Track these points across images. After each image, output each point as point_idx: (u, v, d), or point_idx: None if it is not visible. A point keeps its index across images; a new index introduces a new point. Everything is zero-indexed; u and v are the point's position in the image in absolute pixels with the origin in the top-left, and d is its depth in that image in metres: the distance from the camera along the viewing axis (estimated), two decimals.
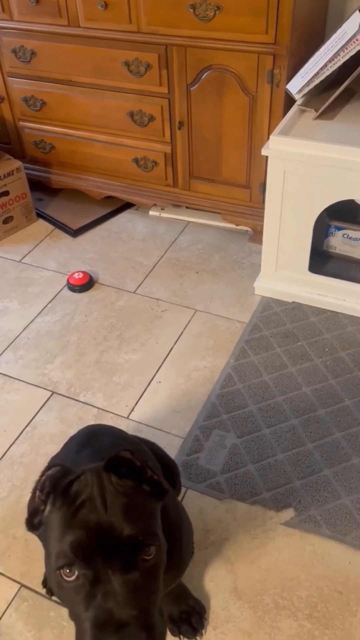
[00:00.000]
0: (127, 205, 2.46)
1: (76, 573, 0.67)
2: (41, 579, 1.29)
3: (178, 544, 0.97)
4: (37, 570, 1.31)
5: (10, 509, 1.44)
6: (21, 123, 2.32)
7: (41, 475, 0.74)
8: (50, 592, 1.26)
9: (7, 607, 1.25)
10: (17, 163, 2.25)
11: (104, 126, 2.16)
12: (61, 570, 0.68)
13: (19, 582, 1.29)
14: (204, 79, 1.88)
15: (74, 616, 0.69)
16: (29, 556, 1.34)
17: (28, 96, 2.21)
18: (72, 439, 1.17)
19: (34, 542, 1.35)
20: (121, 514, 0.69)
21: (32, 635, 1.21)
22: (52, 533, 0.71)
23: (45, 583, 1.27)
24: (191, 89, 1.92)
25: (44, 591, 1.27)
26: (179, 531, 0.99)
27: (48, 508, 0.73)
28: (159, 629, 0.68)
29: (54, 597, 1.26)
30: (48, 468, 0.75)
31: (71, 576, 0.67)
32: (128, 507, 0.70)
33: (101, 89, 2.06)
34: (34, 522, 0.75)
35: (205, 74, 1.86)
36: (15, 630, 1.22)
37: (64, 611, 1.24)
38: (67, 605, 0.70)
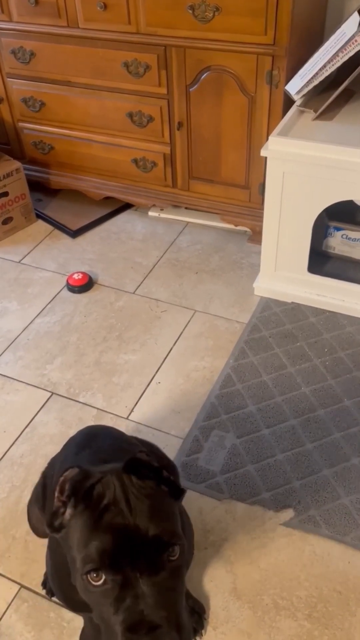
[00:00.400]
0: (126, 206, 2.47)
1: (103, 577, 0.67)
2: (41, 579, 1.29)
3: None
4: (36, 571, 1.31)
5: (10, 509, 1.44)
6: (20, 124, 2.32)
7: (60, 477, 0.75)
8: (50, 593, 1.26)
9: (7, 608, 1.26)
10: (17, 164, 2.26)
11: (103, 127, 2.16)
12: (88, 575, 0.68)
13: (18, 583, 1.30)
14: (203, 80, 1.88)
15: (101, 619, 0.69)
16: (29, 557, 1.34)
17: (27, 97, 2.22)
18: (71, 440, 1.17)
19: (34, 543, 1.35)
20: (146, 515, 0.70)
21: (32, 636, 1.21)
22: (76, 537, 0.71)
23: (45, 584, 1.27)
24: (190, 89, 1.92)
25: (43, 592, 1.27)
26: (182, 526, 1.00)
27: (69, 511, 0.73)
28: (187, 628, 0.69)
29: (53, 598, 1.26)
30: (64, 471, 0.75)
31: (98, 580, 0.68)
32: (152, 508, 0.71)
33: (100, 89, 2.06)
34: (54, 524, 0.75)
35: (205, 74, 1.87)
36: (15, 631, 1.22)
37: (64, 612, 1.24)
38: (94, 608, 0.70)
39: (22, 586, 1.29)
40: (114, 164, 2.25)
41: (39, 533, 1.25)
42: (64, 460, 1.09)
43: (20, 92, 2.22)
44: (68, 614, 1.24)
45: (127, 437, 1.18)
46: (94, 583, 0.68)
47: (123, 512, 0.70)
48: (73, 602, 0.93)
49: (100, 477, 0.74)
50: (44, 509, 1.16)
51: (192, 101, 1.94)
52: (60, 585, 0.96)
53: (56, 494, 0.75)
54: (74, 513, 0.72)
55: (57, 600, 1.25)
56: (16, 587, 1.29)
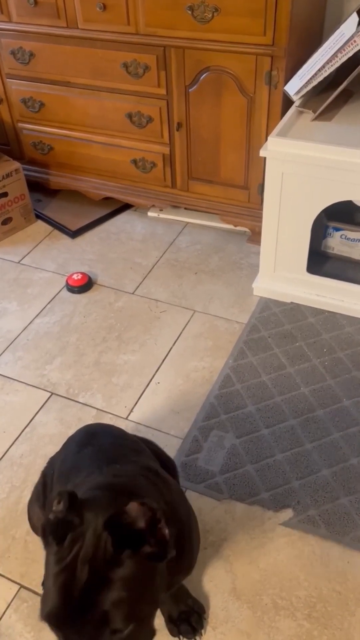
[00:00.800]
0: (125, 207, 2.47)
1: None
2: (41, 580, 1.29)
3: (188, 532, 0.99)
4: (36, 571, 1.31)
5: (9, 509, 1.44)
6: (20, 124, 2.33)
7: (57, 489, 0.74)
8: None
9: (6, 608, 1.26)
10: (16, 164, 2.26)
11: (102, 127, 2.16)
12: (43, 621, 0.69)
13: (18, 583, 1.30)
14: (202, 81, 1.88)
15: None
16: (29, 557, 1.34)
17: (27, 97, 2.22)
18: (70, 438, 1.17)
19: (34, 543, 1.35)
20: (101, 593, 0.67)
21: (31, 636, 1.21)
22: (46, 568, 0.72)
23: (44, 584, 1.27)
24: (189, 90, 1.92)
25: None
26: (189, 520, 1.01)
27: (49, 540, 0.72)
28: None
29: None
30: (59, 490, 0.74)
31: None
32: (111, 587, 0.67)
33: (99, 90, 2.06)
34: (46, 539, 0.74)
35: (204, 75, 1.87)
36: (15, 631, 1.22)
37: None
38: None
39: (22, 586, 1.29)
40: (114, 165, 2.25)
41: (39, 532, 1.25)
42: (65, 460, 1.10)
43: (19, 93, 2.22)
44: None
45: (127, 434, 1.19)
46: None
47: (78, 579, 0.67)
48: None
49: (78, 526, 0.71)
50: (44, 507, 1.17)
51: (191, 102, 1.95)
52: None
53: (54, 502, 0.74)
54: (48, 548, 0.72)
55: None
56: (16, 587, 1.29)
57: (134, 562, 0.68)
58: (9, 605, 1.26)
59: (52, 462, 1.20)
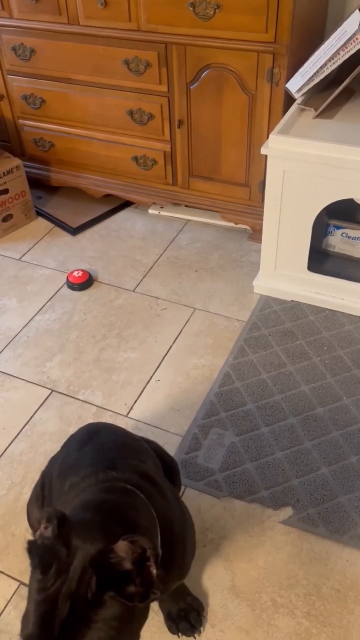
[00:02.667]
0: (126, 204, 2.46)
1: None
2: None
3: (182, 543, 0.98)
4: None
5: (9, 507, 1.44)
6: (21, 121, 2.32)
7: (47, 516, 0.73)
8: None
9: (6, 605, 1.26)
10: (17, 161, 2.25)
11: (103, 124, 2.16)
12: None
13: (18, 580, 1.30)
14: (204, 78, 1.88)
15: None
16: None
17: (27, 94, 2.21)
18: (71, 437, 1.17)
19: None
20: (81, 631, 0.66)
21: None
22: (30, 589, 0.71)
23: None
24: (191, 87, 1.92)
25: None
26: (184, 533, 1.00)
27: (31, 562, 0.71)
28: None
29: None
30: (52, 509, 0.73)
31: None
32: (91, 627, 0.67)
33: (100, 87, 2.06)
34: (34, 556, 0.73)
35: (205, 72, 1.86)
36: (15, 628, 1.22)
37: None
38: None
39: (21, 583, 1.29)
40: (114, 162, 2.25)
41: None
42: (66, 457, 1.10)
43: (20, 89, 2.22)
44: None
45: (129, 433, 1.19)
46: None
47: (60, 616, 0.66)
48: None
49: (64, 555, 0.69)
50: (43, 507, 1.17)
51: (193, 99, 1.94)
52: None
53: (42, 526, 0.73)
54: (31, 571, 0.71)
55: None
56: (15, 584, 1.29)
57: (116, 602, 0.68)
58: (8, 602, 1.26)
59: (52, 462, 1.20)
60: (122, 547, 0.69)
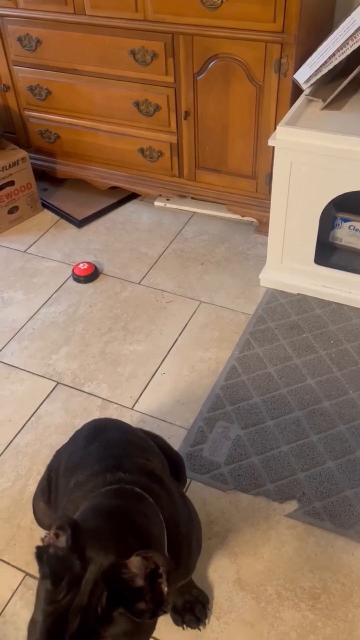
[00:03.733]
0: (132, 196, 2.45)
1: None
2: None
3: (187, 544, 0.98)
4: None
5: (15, 498, 1.44)
6: (26, 112, 2.31)
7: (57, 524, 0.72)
8: None
9: (12, 595, 1.27)
10: (23, 153, 2.24)
11: (109, 116, 2.14)
12: None
13: (23, 571, 1.30)
14: (211, 68, 1.86)
15: None
16: (34, 545, 1.34)
17: (33, 85, 2.20)
18: (78, 433, 1.17)
19: (39, 532, 1.35)
20: None
21: None
22: (37, 597, 0.70)
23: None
24: (197, 78, 1.90)
25: None
26: (190, 533, 1.00)
27: (41, 567, 0.70)
28: None
29: None
30: (65, 516, 0.72)
31: None
32: None
33: (106, 78, 2.04)
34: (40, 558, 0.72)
35: (212, 63, 1.84)
36: (20, 618, 1.23)
37: None
38: None
39: (27, 574, 1.30)
40: (120, 154, 2.24)
41: (44, 525, 1.25)
42: (72, 454, 1.09)
43: (26, 80, 2.21)
44: None
45: (135, 430, 1.18)
46: None
47: (68, 630, 0.66)
48: None
49: (78, 568, 0.69)
50: (49, 502, 1.17)
51: (199, 90, 1.92)
52: None
53: (52, 532, 0.72)
54: (40, 579, 0.70)
55: None
56: (21, 575, 1.30)
57: (125, 618, 0.67)
58: (14, 592, 1.27)
59: (58, 455, 1.20)
60: (135, 563, 0.68)
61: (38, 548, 0.71)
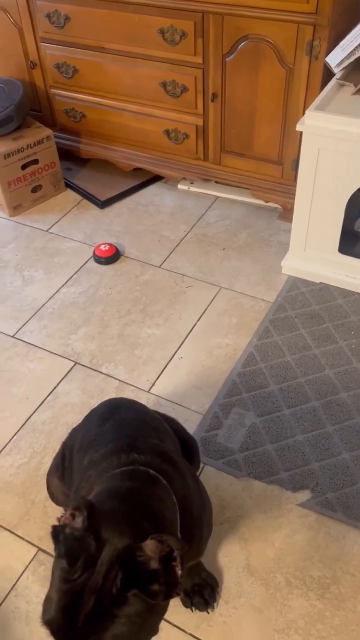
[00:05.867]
0: (155, 178, 2.43)
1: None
2: None
3: (199, 526, 0.98)
4: None
5: (30, 474, 1.46)
6: (52, 90, 2.30)
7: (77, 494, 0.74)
8: None
9: (24, 570, 1.29)
10: (48, 131, 2.24)
11: (135, 96, 2.12)
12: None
13: (36, 546, 1.33)
14: (240, 50, 1.82)
15: None
16: (47, 521, 1.37)
17: (60, 63, 2.18)
18: (93, 411, 1.17)
19: (52, 508, 1.37)
20: (103, 625, 0.67)
21: None
22: (53, 576, 0.71)
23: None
24: (226, 59, 1.86)
25: None
26: (201, 515, 1.00)
27: (57, 547, 0.71)
28: None
29: None
30: (81, 498, 0.73)
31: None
32: (114, 622, 0.67)
33: (134, 57, 2.02)
34: (57, 538, 0.73)
35: (242, 44, 1.81)
36: (32, 592, 1.25)
37: None
38: None
39: (39, 549, 1.32)
40: (145, 135, 2.22)
41: (57, 501, 1.27)
42: (87, 432, 1.10)
43: (53, 58, 2.19)
44: None
45: (149, 411, 1.19)
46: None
47: (85, 608, 0.67)
48: None
49: (93, 549, 0.70)
50: (63, 478, 1.18)
51: (228, 71, 1.89)
52: None
53: (68, 512, 0.73)
54: (56, 558, 0.71)
55: None
56: (34, 550, 1.32)
57: (139, 599, 0.68)
58: (26, 567, 1.29)
59: (73, 433, 1.21)
60: (150, 546, 0.70)
61: (54, 527, 0.72)
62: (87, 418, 1.17)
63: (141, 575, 0.69)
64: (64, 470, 1.18)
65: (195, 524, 0.97)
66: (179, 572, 0.70)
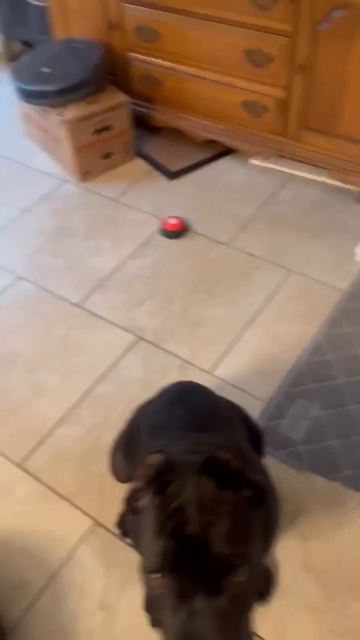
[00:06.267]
0: (227, 151, 2.35)
1: (163, 581, 0.65)
2: (115, 519, 1.31)
3: (268, 522, 0.95)
4: (111, 509, 1.33)
5: (89, 446, 1.47)
6: (130, 54, 2.23)
7: (147, 454, 0.73)
8: (124, 534, 1.28)
9: (81, 541, 1.30)
10: (124, 97, 2.18)
11: (216, 64, 2.03)
12: (150, 575, 0.66)
13: (93, 518, 1.33)
14: (335, 19, 1.70)
15: (161, 619, 0.68)
16: (104, 495, 1.37)
17: (142, 25, 2.11)
18: (164, 392, 1.15)
19: (110, 483, 1.37)
20: (216, 532, 0.65)
21: (102, 572, 1.25)
22: (145, 530, 0.70)
23: (119, 524, 1.30)
24: (319, 29, 1.75)
25: (117, 532, 1.30)
26: (271, 509, 0.97)
27: (145, 500, 0.71)
28: None
29: (126, 539, 1.28)
30: (152, 452, 0.73)
31: (159, 583, 0.66)
32: (223, 524, 0.66)
33: (220, 22, 1.92)
34: (133, 506, 0.73)
35: (338, 13, 1.69)
36: (87, 563, 1.26)
37: (134, 555, 1.26)
38: (155, 608, 0.70)
39: (96, 522, 1.33)
40: (222, 105, 2.13)
41: (121, 479, 1.26)
42: (155, 413, 1.08)
43: (134, 19, 2.12)
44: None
45: (220, 398, 1.15)
46: (154, 584, 0.66)
47: (192, 521, 0.66)
48: None
49: (180, 474, 0.70)
50: (128, 457, 1.17)
51: (319, 42, 1.78)
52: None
53: (141, 478, 0.73)
54: (149, 504, 0.70)
55: (129, 542, 1.28)
56: (90, 522, 1.33)
57: (236, 505, 0.69)
58: (83, 538, 1.30)
59: (140, 411, 1.19)
60: (224, 454, 0.70)
61: (143, 465, 0.73)
62: (157, 399, 1.15)
63: (229, 480, 0.69)
64: (130, 449, 1.16)
65: (264, 516, 0.94)
66: (258, 479, 0.72)
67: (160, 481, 0.70)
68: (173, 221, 2.02)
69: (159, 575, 0.65)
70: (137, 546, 1.00)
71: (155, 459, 0.72)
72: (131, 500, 0.74)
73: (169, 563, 0.65)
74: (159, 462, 0.71)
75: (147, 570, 0.67)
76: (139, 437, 1.11)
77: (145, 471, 0.72)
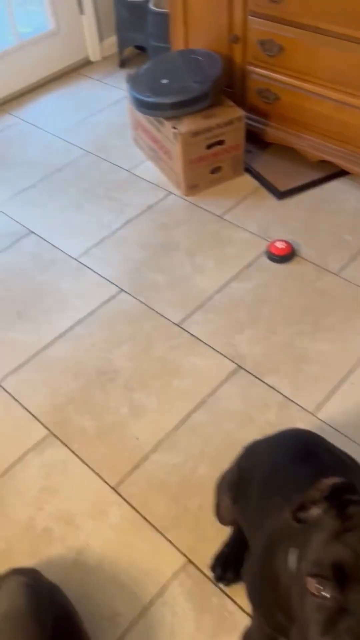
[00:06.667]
0: (341, 173, 2.24)
1: (325, 590, 0.62)
2: (209, 561, 1.27)
3: None
4: (205, 549, 1.29)
5: (184, 477, 1.43)
6: (249, 67, 2.17)
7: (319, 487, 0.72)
8: (218, 578, 1.24)
9: (173, 578, 1.27)
10: (239, 112, 2.12)
11: (341, 83, 1.93)
12: (311, 579, 0.64)
13: (186, 556, 1.30)
14: None
15: (301, 627, 0.65)
16: (199, 532, 1.33)
17: (266, 39, 2.04)
18: (281, 441, 1.09)
19: (205, 520, 1.33)
20: None
21: (192, 615, 1.21)
22: (316, 539, 0.67)
23: (214, 568, 1.25)
24: None
25: (210, 575, 1.26)
26: None
27: (318, 512, 0.70)
28: None
29: (220, 584, 1.24)
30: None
31: (318, 591, 0.63)
32: None
33: (351, 40, 1.82)
34: (300, 515, 0.72)
35: None
36: (178, 603, 1.23)
37: (227, 601, 1.23)
38: (300, 617, 0.66)
39: (189, 560, 1.29)
40: (343, 126, 2.03)
41: (225, 522, 1.22)
42: (276, 466, 1.03)
43: (259, 33, 2.05)
44: (231, 605, 1.22)
45: (343, 452, 1.08)
46: (312, 591, 0.63)
47: None
48: (271, 619, 0.88)
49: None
50: (236, 502, 1.12)
51: None
52: (262, 596, 0.92)
53: (313, 491, 0.72)
54: (324, 516, 0.69)
55: (223, 588, 1.23)
56: (182, 560, 1.29)
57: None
58: (175, 576, 1.27)
59: (252, 454, 1.13)
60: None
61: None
62: (274, 447, 1.09)
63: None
64: (238, 494, 1.11)
65: None
66: None
67: (341, 499, 0.69)
68: (281, 245, 1.95)
69: (323, 580, 0.63)
70: (250, 592, 0.96)
71: (337, 479, 0.71)
72: (300, 509, 0.72)
73: (340, 571, 0.63)
74: (342, 482, 0.71)
75: (310, 573, 0.64)
76: (251, 484, 1.06)
77: (325, 486, 0.71)
